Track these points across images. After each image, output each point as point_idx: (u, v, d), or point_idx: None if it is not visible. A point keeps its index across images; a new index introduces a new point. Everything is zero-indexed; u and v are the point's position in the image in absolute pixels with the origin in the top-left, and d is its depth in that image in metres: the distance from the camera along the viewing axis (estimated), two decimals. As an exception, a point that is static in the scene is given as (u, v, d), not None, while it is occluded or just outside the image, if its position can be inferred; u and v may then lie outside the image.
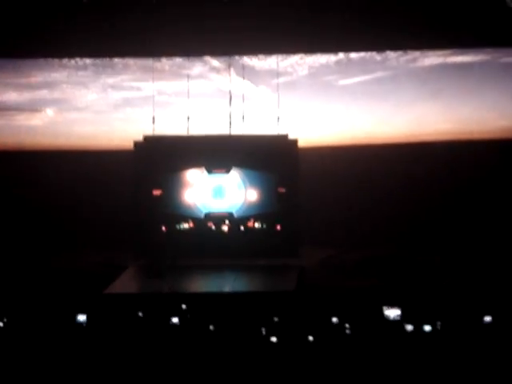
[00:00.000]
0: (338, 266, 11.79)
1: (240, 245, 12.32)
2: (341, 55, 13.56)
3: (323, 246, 12.48)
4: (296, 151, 12.42)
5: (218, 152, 12.55)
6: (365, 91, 13.57)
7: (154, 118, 13.13)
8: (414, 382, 7.69)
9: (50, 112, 13.93)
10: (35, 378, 7.93)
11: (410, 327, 8.43)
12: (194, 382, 7.91)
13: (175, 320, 8.94)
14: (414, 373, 7.72)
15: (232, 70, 13.26)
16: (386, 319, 8.72)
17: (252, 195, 12.48)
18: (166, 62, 13.54)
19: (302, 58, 13.61)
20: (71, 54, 13.49)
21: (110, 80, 13.83)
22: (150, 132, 13.01)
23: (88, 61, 13.73)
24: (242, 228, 12.43)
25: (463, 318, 8.49)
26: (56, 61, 13.75)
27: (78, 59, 13.69)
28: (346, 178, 12.89)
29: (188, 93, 13.29)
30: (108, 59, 13.69)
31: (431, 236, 12.55)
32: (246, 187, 12.47)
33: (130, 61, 13.61)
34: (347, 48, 13.27)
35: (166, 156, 12.61)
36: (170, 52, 13.22)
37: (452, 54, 13.46)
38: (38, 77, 13.85)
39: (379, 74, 13.62)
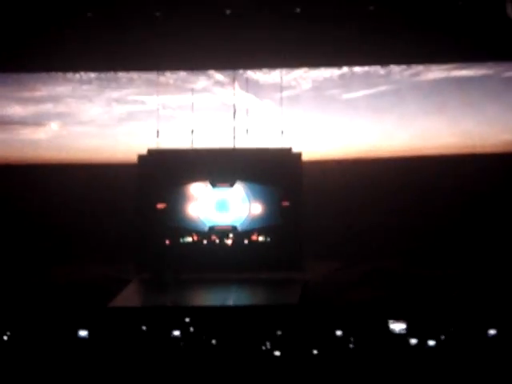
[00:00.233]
0: (342, 280, 11.78)
1: (244, 258, 12.31)
2: (345, 69, 13.60)
3: (327, 259, 12.47)
4: (300, 164, 12.43)
5: (222, 166, 12.57)
6: (368, 105, 13.59)
7: (158, 132, 13.16)
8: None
9: (54, 126, 13.96)
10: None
11: (414, 341, 8.41)
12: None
13: (178, 333, 8.93)
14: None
15: (236, 83, 13.30)
16: (391, 333, 8.71)
17: (256, 209, 12.48)
18: (170, 76, 13.59)
19: (305, 72, 13.65)
20: (75, 68, 13.53)
21: (115, 94, 13.87)
22: (154, 146, 13.04)
23: (92, 75, 13.77)
24: (245, 241, 12.43)
25: (468, 332, 8.48)
26: (60, 75, 13.79)
27: (82, 73, 13.73)
28: (349, 191, 12.89)
29: (192, 106, 13.33)
30: (112, 73, 13.73)
31: (436, 249, 12.54)
32: (249, 201, 12.48)
33: (135, 75, 13.65)
34: (351, 62, 13.32)
35: (170, 169, 12.62)
36: (174, 66, 13.27)
37: (455, 68, 13.49)
38: (43, 91, 13.89)
39: (383, 88, 13.65)
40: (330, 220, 12.77)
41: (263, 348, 8.47)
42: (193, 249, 12.48)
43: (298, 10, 12.02)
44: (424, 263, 12.20)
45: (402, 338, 8.56)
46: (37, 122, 13.96)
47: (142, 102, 13.78)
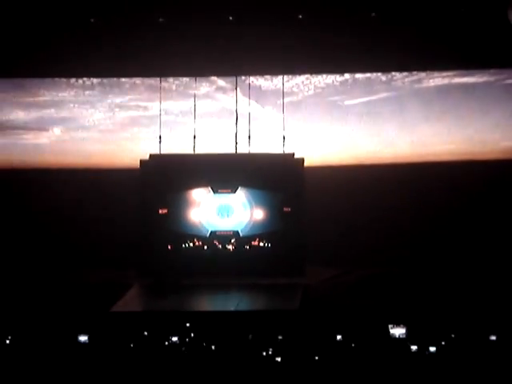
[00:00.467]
0: (342, 285, 11.79)
1: (245, 263, 12.34)
2: (346, 76, 13.63)
3: (328, 264, 12.49)
4: (302, 170, 12.48)
5: (223, 171, 12.60)
6: (370, 111, 13.62)
7: (160, 137, 13.20)
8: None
9: (57, 131, 13.99)
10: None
11: (414, 346, 8.42)
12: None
13: (179, 338, 8.95)
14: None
15: (238, 89, 13.34)
16: (391, 337, 8.72)
17: (257, 214, 12.52)
18: (172, 82, 13.62)
19: (307, 79, 13.67)
20: (78, 74, 13.59)
21: (117, 99, 13.90)
22: (156, 151, 13.08)
23: (95, 80, 13.82)
24: (247, 247, 12.46)
25: (468, 337, 8.49)
26: (63, 80, 13.84)
27: (85, 79, 13.78)
28: (351, 197, 12.90)
29: (194, 112, 13.37)
30: (115, 79, 13.77)
31: (436, 255, 12.55)
32: (251, 206, 12.51)
33: (137, 80, 13.69)
34: (353, 69, 13.36)
35: (172, 175, 12.66)
36: (176, 72, 13.31)
37: (457, 76, 13.52)
38: (46, 96, 13.92)
39: (384, 95, 13.67)
40: (331, 226, 12.77)
41: (264, 353, 8.48)
42: (194, 254, 12.51)
43: (301, 17, 12.07)
44: (425, 268, 12.20)
45: (402, 342, 8.57)
46: (39, 126, 13.99)
47: (145, 108, 13.82)
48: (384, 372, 7.89)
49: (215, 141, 13.36)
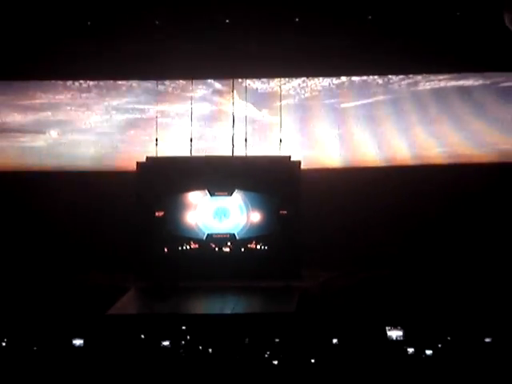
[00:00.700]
0: (339, 288, 11.80)
1: (241, 266, 12.34)
2: (343, 79, 13.65)
3: (324, 267, 12.49)
4: (298, 173, 12.48)
5: (220, 174, 12.59)
6: (366, 114, 13.65)
7: (157, 140, 13.22)
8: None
9: (53, 133, 13.98)
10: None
11: (411, 349, 8.43)
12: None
13: (176, 341, 8.95)
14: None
15: (235, 92, 13.36)
16: (388, 340, 8.73)
17: (254, 217, 12.52)
18: (169, 85, 13.64)
19: (304, 81, 13.69)
20: (75, 76, 13.59)
21: (114, 102, 13.90)
22: (153, 154, 13.09)
23: (92, 83, 13.82)
24: (243, 249, 12.46)
25: (464, 339, 8.50)
26: (60, 83, 13.85)
27: (81, 81, 13.78)
28: (347, 200, 12.90)
29: (191, 115, 13.38)
30: (112, 81, 13.78)
31: (432, 257, 12.57)
32: (248, 209, 12.51)
33: (134, 83, 13.70)
34: (349, 72, 13.38)
35: (168, 177, 12.65)
36: (173, 75, 13.33)
37: (453, 79, 13.55)
38: (42, 99, 13.92)
39: (381, 98, 13.70)
40: (328, 228, 12.78)
41: (261, 356, 8.49)
42: (191, 256, 12.51)
43: (297, 20, 12.09)
44: (422, 270, 12.21)
45: (399, 344, 8.57)
46: (36, 129, 13.99)
47: (141, 111, 13.82)
48: (381, 375, 7.90)
49: (212, 143, 13.39)
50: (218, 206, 12.59)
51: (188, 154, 13.14)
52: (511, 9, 10.77)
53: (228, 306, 11.20)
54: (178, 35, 12.27)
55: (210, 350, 8.65)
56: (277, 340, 8.77)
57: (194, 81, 13.53)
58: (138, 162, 12.70)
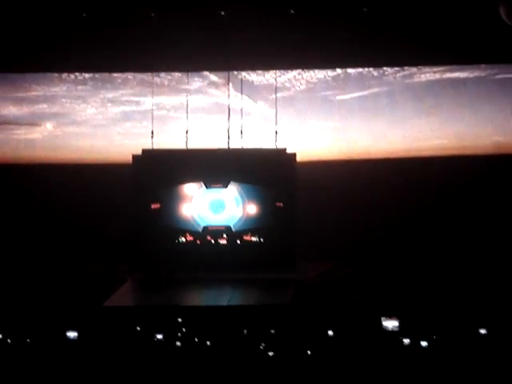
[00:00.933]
0: (335, 279, 11.83)
1: (237, 258, 12.36)
2: (338, 71, 13.65)
3: (320, 259, 12.51)
4: (294, 165, 12.49)
5: (216, 166, 12.60)
6: (362, 106, 13.66)
7: (152, 133, 13.21)
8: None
9: (49, 126, 13.98)
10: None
11: (407, 339, 8.47)
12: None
13: (172, 333, 8.96)
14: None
15: (231, 84, 13.35)
16: (383, 330, 8.76)
17: (250, 209, 12.53)
18: (165, 77, 13.62)
19: (299, 74, 13.69)
20: (71, 69, 13.57)
21: (109, 94, 13.90)
22: (148, 146, 13.08)
23: (87, 75, 13.81)
24: (239, 242, 12.48)
25: (459, 329, 8.53)
26: (55, 75, 13.83)
27: (77, 74, 13.76)
28: (342, 192, 12.92)
29: (187, 107, 13.38)
30: (107, 74, 13.77)
31: (428, 249, 12.59)
32: (243, 201, 12.53)
33: (130, 75, 13.69)
34: (345, 64, 13.38)
35: (164, 170, 12.66)
36: (169, 67, 13.31)
37: (448, 71, 13.56)
38: (38, 91, 13.91)
39: (376, 90, 13.71)
40: (323, 220, 12.80)
41: (256, 347, 8.51)
42: (187, 249, 12.52)
43: (293, 12, 12.07)
44: (418, 262, 12.24)
45: (395, 335, 8.61)
46: (32, 122, 13.99)
47: (137, 103, 13.83)
48: (377, 365, 7.93)
49: (207, 136, 13.38)
50: (213, 198, 12.60)
51: (184, 147, 13.12)
52: (506, 1, 10.78)
53: (224, 297, 11.21)
54: (174, 28, 12.24)
55: (206, 342, 8.67)
56: (272, 331, 8.80)
57: (189, 73, 13.52)
58: (133, 155, 12.69)
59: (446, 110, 13.46)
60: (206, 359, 8.34)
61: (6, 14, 12.04)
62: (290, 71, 13.65)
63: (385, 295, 10.48)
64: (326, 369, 7.98)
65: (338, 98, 13.78)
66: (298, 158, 12.55)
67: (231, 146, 13.09)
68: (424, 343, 8.38)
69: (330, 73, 13.69)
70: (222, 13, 12.13)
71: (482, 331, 8.50)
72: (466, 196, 12.86)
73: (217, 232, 12.54)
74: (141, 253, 12.48)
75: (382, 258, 12.48)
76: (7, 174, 13.35)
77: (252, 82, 13.60)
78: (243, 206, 12.54)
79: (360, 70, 13.61)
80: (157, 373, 8.11)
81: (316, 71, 13.70)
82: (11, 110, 13.96)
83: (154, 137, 13.18)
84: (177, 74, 13.61)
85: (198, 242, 12.53)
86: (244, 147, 13.06)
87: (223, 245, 12.52)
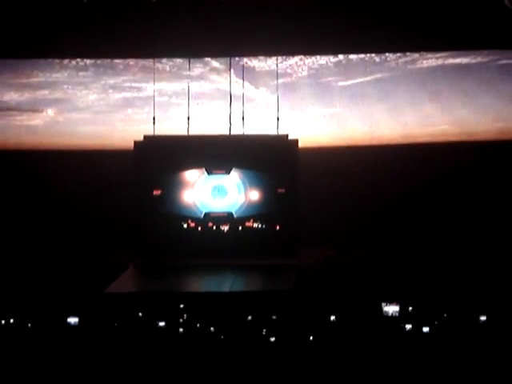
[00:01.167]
0: (337, 266, 11.84)
1: (239, 245, 12.37)
2: (340, 57, 13.63)
3: (321, 246, 12.53)
4: (296, 151, 12.47)
5: (218, 152, 12.59)
6: (364, 92, 13.64)
7: (154, 119, 13.19)
8: (414, 379, 7.74)
9: (50, 112, 13.99)
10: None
11: (408, 325, 8.48)
12: (192, 382, 7.95)
13: (173, 319, 8.98)
14: (413, 370, 7.77)
15: (232, 71, 13.33)
16: (384, 316, 8.78)
17: (252, 195, 12.54)
18: (166, 63, 13.61)
19: (301, 60, 13.68)
20: (72, 55, 13.55)
21: (111, 81, 13.89)
22: (150, 132, 13.07)
23: (89, 61, 13.79)
24: (241, 228, 12.49)
25: (459, 316, 8.55)
26: (57, 61, 13.82)
27: (78, 60, 13.75)
28: (344, 178, 12.93)
29: (188, 94, 13.36)
30: (109, 60, 13.75)
31: (429, 235, 12.60)
32: (245, 187, 12.53)
33: (131, 61, 13.67)
34: (347, 50, 13.34)
35: (166, 156, 12.65)
36: (170, 53, 13.29)
37: (450, 56, 13.53)
38: (39, 77, 13.90)
39: (378, 76, 13.68)
40: (325, 207, 12.82)
41: (258, 333, 8.53)
42: (188, 235, 12.53)
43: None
44: (419, 249, 12.25)
45: (396, 320, 8.62)
46: (33, 108, 13.99)
47: (139, 89, 13.82)
48: (379, 351, 7.95)
49: (209, 122, 13.37)
50: (215, 185, 12.61)
51: (185, 133, 13.10)
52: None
53: (226, 284, 11.23)
54: (175, 13, 12.20)
55: (208, 328, 8.69)
56: (274, 317, 8.82)
57: (190, 59, 13.49)
58: (135, 141, 12.68)
59: (448, 95, 13.45)
60: (207, 345, 8.35)
61: (6, 0, 12.03)
62: (291, 57, 13.62)
63: (387, 281, 10.49)
64: (328, 355, 8.00)
65: (340, 84, 13.77)
66: (300, 144, 12.54)
67: (233, 133, 13.07)
68: (426, 328, 8.40)
69: (331, 59, 13.67)
70: (223, -1, 12.11)
71: (482, 318, 8.52)
72: (468, 182, 12.86)
73: (218, 218, 12.55)
74: (142, 239, 12.50)
75: (384, 244, 12.49)
76: (9, 160, 13.35)
77: (254, 68, 13.59)
78: (245, 193, 12.54)
79: (362, 55, 13.59)
80: (158, 359, 8.13)
81: (318, 57, 13.68)
82: (13, 96, 13.96)
83: (156, 123, 13.17)
84: (178, 60, 13.59)
85: (200, 228, 12.54)
86: (246, 133, 13.05)
87: (225, 231, 12.53)
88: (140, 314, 9.04)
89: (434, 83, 13.50)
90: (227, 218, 12.53)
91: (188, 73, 13.53)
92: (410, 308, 8.79)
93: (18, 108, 13.96)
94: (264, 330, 8.51)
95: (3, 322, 8.76)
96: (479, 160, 12.70)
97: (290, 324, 8.67)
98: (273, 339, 8.35)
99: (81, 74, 13.87)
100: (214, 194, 12.62)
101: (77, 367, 7.94)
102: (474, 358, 7.74)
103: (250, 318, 8.89)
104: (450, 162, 12.86)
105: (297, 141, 12.57)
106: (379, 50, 13.39)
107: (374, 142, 13.54)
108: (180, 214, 12.58)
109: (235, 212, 12.54)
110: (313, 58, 13.67)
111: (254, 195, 12.54)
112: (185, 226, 12.55)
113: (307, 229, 12.32)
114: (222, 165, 12.57)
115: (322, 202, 12.78)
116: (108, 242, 12.61)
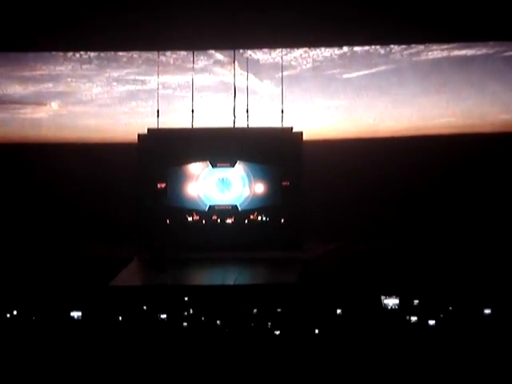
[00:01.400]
0: (342, 259, 11.83)
1: (244, 238, 12.37)
2: (345, 49, 13.59)
3: (327, 238, 12.51)
4: (301, 144, 12.45)
5: (222, 145, 12.58)
6: (368, 84, 13.61)
7: (158, 112, 13.17)
8: (418, 375, 7.74)
9: (54, 105, 13.97)
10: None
11: (410, 316, 8.48)
12: (198, 376, 7.95)
13: (178, 313, 8.98)
14: (419, 365, 7.76)
15: (236, 63, 13.30)
16: (388, 309, 8.77)
17: (256, 188, 12.52)
18: (170, 56, 13.58)
19: (306, 52, 13.64)
20: (76, 48, 13.53)
21: (115, 73, 13.87)
22: (154, 125, 13.05)
23: (92, 54, 13.77)
24: (246, 221, 12.48)
25: (464, 309, 8.54)
26: (60, 54, 13.79)
27: (82, 53, 13.72)
28: (349, 171, 12.92)
29: (192, 86, 13.33)
30: (112, 53, 13.73)
31: (435, 229, 12.58)
32: (250, 180, 12.51)
33: (135, 54, 13.65)
34: (351, 42, 13.31)
35: (170, 149, 12.64)
36: (174, 45, 13.26)
37: (456, 48, 13.48)
38: (43, 70, 13.89)
39: (383, 68, 13.65)
40: (330, 199, 12.80)
41: (263, 327, 8.53)
42: (193, 228, 12.52)
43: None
44: (424, 242, 12.23)
45: (398, 313, 8.62)
46: (37, 101, 13.97)
47: (143, 82, 13.80)
48: (384, 344, 7.95)
49: (213, 115, 13.34)
50: (220, 178, 12.59)
51: (189, 126, 13.08)
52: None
53: (230, 277, 11.22)
54: (179, 5, 12.15)
55: (213, 321, 8.69)
56: (279, 310, 8.82)
57: (194, 52, 13.46)
58: (139, 134, 12.67)
59: (453, 87, 13.41)
60: (212, 339, 8.35)
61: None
62: (296, 50, 13.59)
63: (393, 275, 10.48)
64: (333, 348, 7.99)
65: (345, 76, 13.74)
66: (305, 137, 12.52)
67: (237, 125, 13.04)
68: (431, 322, 8.39)
69: (336, 51, 13.64)
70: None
71: (487, 311, 8.51)
72: (473, 174, 12.83)
73: (223, 211, 12.54)
74: (146, 232, 12.48)
75: (389, 237, 12.48)
76: (13, 153, 13.36)
77: (258, 60, 13.55)
78: (249, 186, 12.52)
79: (367, 47, 13.55)
80: (163, 352, 8.13)
81: (322, 49, 13.65)
82: (17, 89, 13.95)
83: (160, 116, 13.14)
84: (182, 53, 13.56)
85: (204, 221, 12.53)
86: (250, 126, 13.02)
87: (229, 224, 12.52)
88: (144, 308, 9.04)
89: (439, 75, 13.46)
90: (232, 210, 12.52)
91: (192, 65, 13.51)
92: (416, 301, 8.78)
93: (22, 101, 13.95)
94: (269, 323, 8.51)
95: (8, 315, 8.76)
96: (485, 152, 12.66)
97: (295, 317, 8.67)
98: (278, 332, 8.34)
99: (84, 66, 13.85)
100: (219, 187, 12.60)
101: (81, 362, 7.94)
102: (478, 351, 7.73)
103: (255, 311, 8.89)
104: (456, 154, 12.83)
105: (301, 133, 12.54)
106: (384, 41, 13.34)
107: (379, 135, 13.51)
108: (184, 207, 12.56)
109: (240, 205, 12.52)
110: (317, 50, 13.64)
111: (259, 188, 12.53)
112: (189, 219, 12.54)
113: (312, 221, 12.30)
114: (226, 158, 12.56)
115: (326, 194, 12.76)
116: (112, 235, 12.60)
